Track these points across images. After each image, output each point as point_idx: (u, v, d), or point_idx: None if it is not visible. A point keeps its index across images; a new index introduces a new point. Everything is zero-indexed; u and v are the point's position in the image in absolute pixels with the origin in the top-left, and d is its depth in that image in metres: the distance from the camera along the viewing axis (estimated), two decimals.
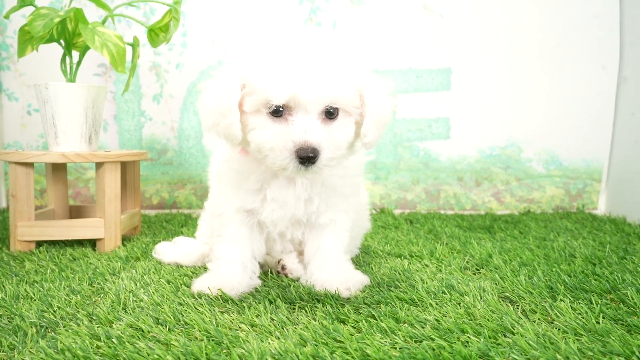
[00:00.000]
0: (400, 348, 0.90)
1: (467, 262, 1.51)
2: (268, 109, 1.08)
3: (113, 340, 0.93)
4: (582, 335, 0.95)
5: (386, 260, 1.55)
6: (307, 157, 1.05)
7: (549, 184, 2.53)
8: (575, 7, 2.43)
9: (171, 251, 1.52)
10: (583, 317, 1.03)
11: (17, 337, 0.96)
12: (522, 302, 1.14)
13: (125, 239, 1.82)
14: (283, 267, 1.37)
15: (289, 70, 1.06)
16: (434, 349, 0.89)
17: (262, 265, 1.37)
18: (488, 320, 1.02)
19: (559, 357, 0.85)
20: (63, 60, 1.75)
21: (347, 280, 1.23)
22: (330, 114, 1.10)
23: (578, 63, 2.46)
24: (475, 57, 2.48)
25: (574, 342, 0.91)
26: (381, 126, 1.16)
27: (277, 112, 1.08)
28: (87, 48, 1.74)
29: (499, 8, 2.45)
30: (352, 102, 1.12)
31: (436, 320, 1.03)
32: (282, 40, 1.15)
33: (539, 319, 1.04)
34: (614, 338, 0.92)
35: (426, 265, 1.48)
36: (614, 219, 2.24)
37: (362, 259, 1.55)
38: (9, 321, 1.04)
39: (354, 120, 1.14)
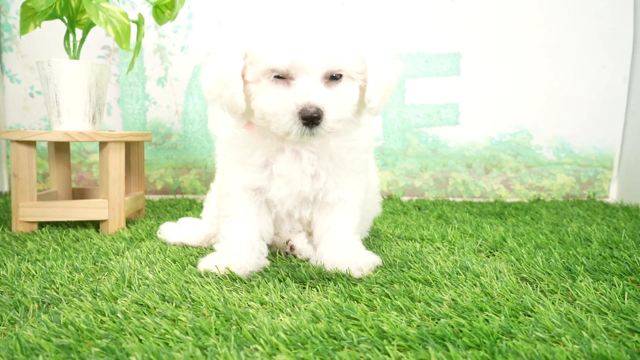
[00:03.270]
0: (417, 326, 0.86)
1: (480, 245, 1.47)
2: (270, 75, 1.07)
3: (118, 315, 0.89)
4: (606, 314, 0.91)
5: (397, 243, 1.51)
6: (310, 118, 1.03)
7: (560, 171, 2.49)
8: None
9: (176, 231, 1.49)
10: (606, 297, 0.99)
11: (18, 312, 0.93)
12: (540, 283, 1.10)
13: (129, 222, 1.79)
14: (292, 248, 1.33)
15: (289, 35, 1.05)
16: (452, 327, 0.85)
17: (270, 247, 1.33)
18: (507, 299, 0.98)
19: (585, 334, 0.81)
20: (66, 37, 1.71)
21: (359, 261, 1.19)
22: (334, 78, 1.09)
23: (591, 48, 2.41)
24: (485, 42, 2.42)
25: (600, 321, 0.87)
26: (385, 91, 1.14)
27: (280, 78, 1.07)
28: (90, 25, 1.70)
29: None
30: (354, 66, 1.10)
31: (452, 300, 0.99)
32: (284, 8, 1.14)
33: (559, 299, 1.00)
34: None
35: (438, 248, 1.44)
36: (627, 206, 2.19)
37: (372, 242, 1.52)
38: (9, 297, 1.00)
39: (357, 85, 1.12)
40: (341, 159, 1.22)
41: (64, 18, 1.70)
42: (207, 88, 1.15)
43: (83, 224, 1.74)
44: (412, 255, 1.33)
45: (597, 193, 2.49)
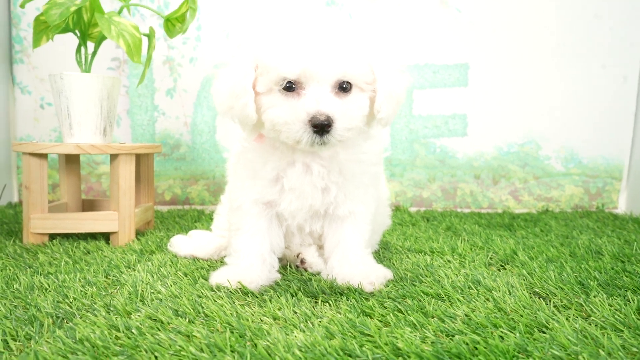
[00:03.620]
0: (432, 342, 0.86)
1: (490, 258, 1.47)
2: (280, 85, 1.07)
3: (132, 331, 0.89)
4: (622, 331, 0.90)
5: (407, 256, 1.51)
6: (321, 126, 1.03)
7: (568, 182, 2.48)
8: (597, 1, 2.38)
9: (187, 244, 1.49)
10: (621, 313, 0.98)
11: (33, 327, 0.93)
12: (553, 298, 1.10)
13: (138, 233, 1.79)
14: (302, 261, 1.33)
15: (299, 45, 1.06)
16: (467, 344, 0.84)
17: (280, 260, 1.33)
18: (521, 315, 0.98)
19: (602, 352, 0.81)
20: (78, 50, 1.72)
21: (370, 275, 1.19)
22: (344, 88, 1.09)
23: (599, 59, 2.41)
24: (493, 53, 2.43)
25: (616, 338, 0.86)
26: (394, 102, 1.14)
27: (290, 88, 1.07)
28: (102, 38, 1.72)
29: (516, 2, 2.40)
30: (364, 76, 1.11)
31: (466, 315, 0.99)
32: (293, 20, 1.15)
33: (574, 315, 1.00)
34: None
35: (449, 261, 1.44)
36: (636, 218, 2.18)
37: (382, 255, 1.51)
38: (24, 311, 1.01)
39: (367, 96, 1.13)
40: (351, 172, 1.23)
41: (76, 31, 1.71)
42: (218, 101, 1.15)
43: (93, 236, 1.75)
44: (422, 269, 1.33)
45: (606, 204, 2.48)
